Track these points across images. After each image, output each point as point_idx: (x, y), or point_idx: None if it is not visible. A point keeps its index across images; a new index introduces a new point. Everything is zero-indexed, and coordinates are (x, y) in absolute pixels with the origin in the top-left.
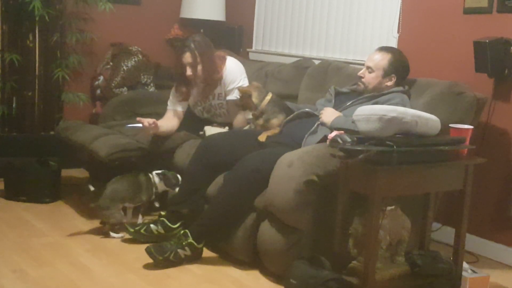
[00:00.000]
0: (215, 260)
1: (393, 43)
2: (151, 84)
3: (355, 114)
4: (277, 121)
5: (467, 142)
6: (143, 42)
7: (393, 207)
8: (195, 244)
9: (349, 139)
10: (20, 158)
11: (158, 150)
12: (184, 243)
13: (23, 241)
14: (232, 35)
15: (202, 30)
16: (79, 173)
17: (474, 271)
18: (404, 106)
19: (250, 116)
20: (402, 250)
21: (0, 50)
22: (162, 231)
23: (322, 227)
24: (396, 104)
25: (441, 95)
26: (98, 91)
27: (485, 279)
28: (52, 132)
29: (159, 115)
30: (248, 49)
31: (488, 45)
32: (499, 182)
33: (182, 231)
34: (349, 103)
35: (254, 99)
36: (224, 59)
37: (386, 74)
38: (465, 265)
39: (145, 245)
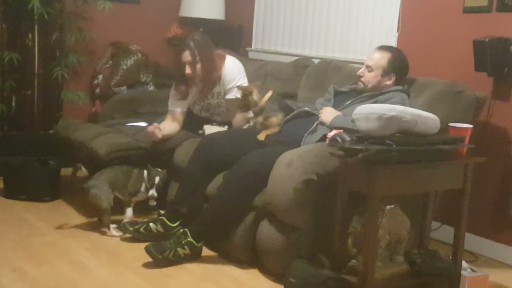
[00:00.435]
0: (214, 259)
1: (393, 42)
2: (151, 83)
3: (355, 113)
4: (276, 119)
5: (467, 141)
6: (143, 41)
7: (392, 206)
8: (195, 243)
9: (348, 138)
10: (20, 157)
11: (157, 149)
12: (183, 242)
13: (23, 240)
14: (231, 34)
15: (201, 29)
16: (79, 172)
17: (473, 270)
18: (404, 105)
19: (250, 115)
20: (402, 249)
21: None
22: (161, 230)
23: (321, 226)
24: (396, 103)
25: (440, 94)
26: (98, 90)
27: (484, 278)
28: (51, 131)
29: (158, 114)
30: (247, 48)
31: (487, 44)
32: (499, 181)
33: (181, 230)
34: (348, 102)
35: (255, 96)
36: (223, 58)
37: (386, 73)
38: (464, 264)
39: (145, 244)
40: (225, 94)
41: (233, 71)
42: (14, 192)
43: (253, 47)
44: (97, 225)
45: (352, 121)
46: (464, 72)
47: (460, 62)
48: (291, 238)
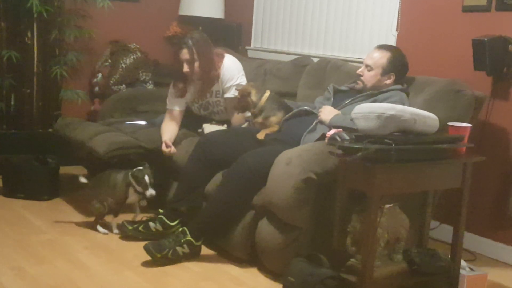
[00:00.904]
0: (213, 258)
1: (392, 41)
2: (150, 82)
3: (354, 112)
4: (275, 118)
5: (466, 140)
6: (142, 39)
7: (391, 205)
8: (194, 241)
9: (347, 137)
10: (18, 155)
11: (157, 148)
12: (182, 241)
13: (21, 239)
14: (231, 32)
15: (200, 28)
16: (78, 170)
17: (472, 269)
18: (403, 104)
19: (249, 114)
20: (400, 248)
21: None
22: (160, 228)
23: (320, 225)
24: (395, 102)
25: (439, 93)
26: (97, 89)
27: (483, 277)
28: (50, 129)
29: (158, 112)
30: (246, 47)
31: (487, 43)
32: (498, 180)
33: (180, 229)
34: (347, 101)
35: (253, 96)
36: (222, 57)
37: (385, 72)
38: (463, 263)
39: (144, 243)
40: (223, 92)
41: (232, 70)
42: (13, 190)
43: (252, 45)
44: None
45: (351, 120)
46: (463, 71)
47: (459, 61)
48: (290, 236)
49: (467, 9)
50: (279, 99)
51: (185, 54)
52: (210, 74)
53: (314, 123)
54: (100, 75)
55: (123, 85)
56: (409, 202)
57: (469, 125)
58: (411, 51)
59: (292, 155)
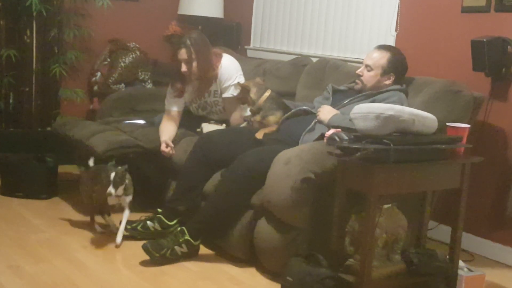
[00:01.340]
0: (211, 257)
1: (391, 42)
2: (149, 81)
3: (353, 112)
4: (274, 118)
5: (464, 141)
6: (141, 38)
7: (389, 205)
8: (192, 241)
9: (346, 137)
10: (17, 154)
11: (155, 147)
12: (180, 240)
13: (20, 237)
14: (230, 32)
15: (200, 27)
16: (76, 169)
17: (470, 270)
18: (402, 104)
19: (248, 113)
20: (399, 248)
21: None
22: (158, 228)
23: (319, 225)
24: (394, 102)
25: (438, 93)
26: (96, 87)
27: (481, 277)
28: (49, 128)
29: (157, 111)
30: (246, 47)
31: (485, 44)
32: (496, 181)
33: (179, 228)
34: (346, 101)
35: (252, 94)
36: (220, 57)
37: (385, 72)
38: (461, 263)
39: (142, 242)
40: (221, 92)
41: (230, 69)
42: (11, 189)
43: (251, 45)
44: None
45: (350, 120)
46: (462, 72)
47: (458, 62)
48: (288, 236)
49: (466, 10)
50: (279, 99)
51: (183, 54)
52: (208, 74)
53: (313, 123)
54: (99, 74)
55: (122, 84)
56: (408, 203)
57: (468, 125)
58: (410, 51)
59: (291, 155)
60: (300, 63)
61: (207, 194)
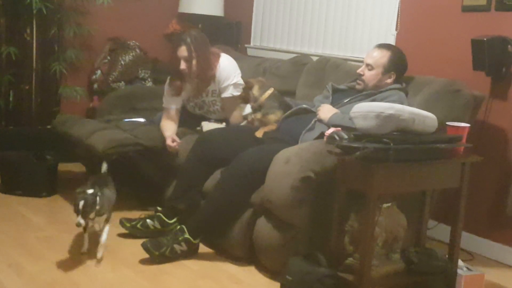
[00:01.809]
0: (211, 256)
1: (391, 41)
2: (149, 79)
3: (353, 111)
4: (274, 116)
5: (464, 140)
6: (141, 36)
7: (389, 204)
8: (192, 239)
9: (346, 136)
10: (17, 152)
11: (155, 145)
12: (180, 239)
13: (19, 236)
14: (230, 30)
15: (200, 25)
16: (76, 167)
17: (469, 269)
18: (402, 103)
19: (248, 111)
20: (398, 247)
21: None
22: (158, 226)
23: (318, 224)
24: (394, 101)
25: (438, 93)
26: (96, 86)
27: (480, 277)
28: (49, 126)
29: (156, 110)
30: (246, 45)
31: (486, 43)
32: (496, 180)
33: (178, 227)
34: (346, 100)
35: (255, 91)
36: (218, 56)
37: (386, 71)
38: (460, 263)
39: (141, 240)
40: (220, 92)
41: (228, 69)
42: (11, 187)
43: (251, 44)
44: None
45: (350, 119)
46: (462, 71)
47: (458, 61)
48: (288, 235)
49: (467, 9)
50: (281, 98)
51: (182, 51)
52: (206, 73)
53: (312, 122)
54: (99, 72)
55: (122, 82)
56: (407, 202)
57: (468, 125)
58: (410, 50)
59: (291, 154)
60: (300, 62)
61: (207, 192)
